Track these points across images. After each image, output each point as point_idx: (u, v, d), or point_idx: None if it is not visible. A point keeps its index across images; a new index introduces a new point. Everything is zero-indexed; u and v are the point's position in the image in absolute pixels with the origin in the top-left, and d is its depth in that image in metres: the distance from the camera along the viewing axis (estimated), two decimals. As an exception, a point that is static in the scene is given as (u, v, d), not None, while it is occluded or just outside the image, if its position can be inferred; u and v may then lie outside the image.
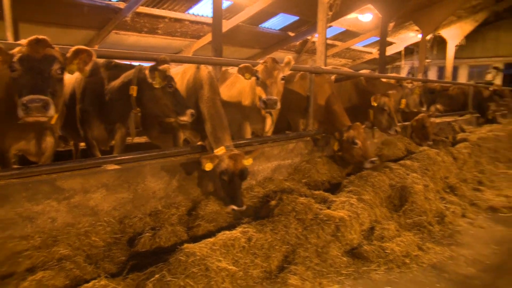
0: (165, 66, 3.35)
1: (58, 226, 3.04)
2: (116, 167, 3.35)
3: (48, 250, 2.78)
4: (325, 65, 11.12)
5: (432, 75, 25.22)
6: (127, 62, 4.07)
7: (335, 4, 10.84)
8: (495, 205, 4.28)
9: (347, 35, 19.83)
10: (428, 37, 17.79)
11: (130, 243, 3.08)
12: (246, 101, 4.74)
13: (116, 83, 3.50)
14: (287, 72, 4.28)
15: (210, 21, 12.47)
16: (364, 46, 22.52)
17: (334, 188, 4.31)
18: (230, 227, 3.14)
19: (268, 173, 4.56)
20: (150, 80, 3.34)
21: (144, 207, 3.51)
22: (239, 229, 2.80)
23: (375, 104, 5.44)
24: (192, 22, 14.00)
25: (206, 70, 3.96)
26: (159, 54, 3.53)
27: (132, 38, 13.90)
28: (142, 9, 12.14)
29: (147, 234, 3.01)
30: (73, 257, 2.73)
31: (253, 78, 4.59)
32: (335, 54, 21.85)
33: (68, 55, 2.73)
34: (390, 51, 23.21)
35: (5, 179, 2.83)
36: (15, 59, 2.50)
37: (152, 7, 12.52)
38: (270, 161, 4.59)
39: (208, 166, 3.44)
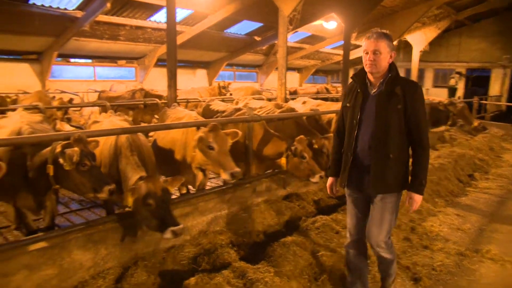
0: (73, 150, 3.31)
1: (-24, 311, 3.10)
2: (39, 246, 3.40)
3: None
4: (285, 77, 11.20)
5: (399, 76, 25.69)
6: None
7: (295, 18, 10.92)
8: (418, 273, 4.16)
9: (315, 38, 19.98)
10: (394, 42, 18.10)
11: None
12: (178, 155, 4.80)
13: (36, 160, 3.51)
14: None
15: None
16: (332, 48, 22.70)
17: (269, 239, 4.48)
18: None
19: (204, 226, 4.69)
20: (61, 161, 3.33)
21: (71, 280, 3.58)
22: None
23: (316, 146, 5.61)
24: (154, 29, 13.90)
25: (124, 137, 4.05)
26: (74, 133, 3.52)
27: (93, 44, 13.68)
28: (101, 17, 11.94)
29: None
30: None
31: (188, 133, 4.73)
32: (304, 56, 21.99)
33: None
34: (359, 53, 23.50)
35: None
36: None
37: (112, 15, 12.32)
38: (205, 215, 4.71)
39: (130, 201, 3.47)
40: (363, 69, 3.16)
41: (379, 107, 3.07)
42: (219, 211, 4.89)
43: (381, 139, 3.07)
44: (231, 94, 13.11)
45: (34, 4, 10.74)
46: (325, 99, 11.59)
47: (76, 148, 3.33)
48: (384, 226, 3.20)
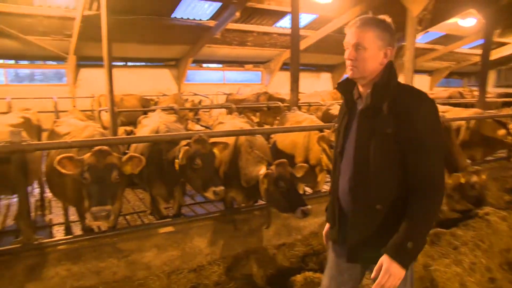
0: (182, 148, 3.69)
1: (118, 278, 3.68)
2: (167, 230, 3.90)
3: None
4: (412, 81, 10.63)
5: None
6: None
7: (425, 18, 10.30)
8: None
9: (448, 38, 18.48)
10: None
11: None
12: (299, 158, 4.96)
13: (169, 155, 4.01)
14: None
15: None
16: (470, 48, 20.68)
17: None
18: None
19: (315, 228, 4.78)
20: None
21: (192, 262, 4.02)
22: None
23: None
24: (280, 34, 14.45)
25: (243, 138, 4.35)
26: (197, 133, 3.89)
27: (223, 50, 14.80)
28: (231, 25, 12.87)
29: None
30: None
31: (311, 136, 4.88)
32: (436, 58, 20.46)
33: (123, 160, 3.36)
34: (505, 51, 20.97)
35: (78, 243, 3.54)
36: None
37: (241, 23, 13.19)
38: (318, 217, 4.78)
39: (265, 182, 3.70)
40: None
41: (359, 131, 2.10)
42: (331, 214, 4.93)
43: (361, 181, 2.08)
44: (353, 98, 12.88)
45: (175, 17, 12.17)
46: (457, 105, 10.65)
47: (185, 147, 3.70)
48: None
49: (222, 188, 3.65)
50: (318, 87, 17.06)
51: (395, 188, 2.01)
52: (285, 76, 17.19)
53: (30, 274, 3.29)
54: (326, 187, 6.48)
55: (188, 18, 12.46)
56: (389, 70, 2.07)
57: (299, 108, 8.35)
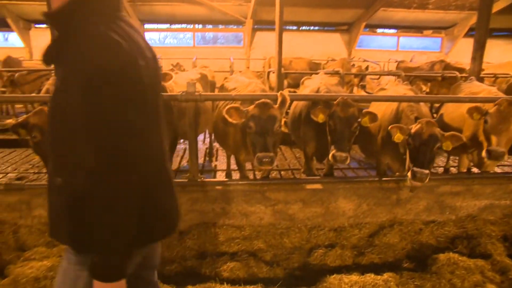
0: (321, 108, 3.87)
1: (263, 223, 4.03)
2: (314, 187, 4.05)
3: (250, 241, 3.79)
4: None
5: None
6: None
7: None
8: None
9: None
10: None
11: (308, 252, 3.76)
12: (467, 133, 4.44)
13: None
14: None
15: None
16: None
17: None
18: (391, 265, 3.45)
19: (474, 210, 4.31)
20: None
21: (333, 222, 4.12)
22: (384, 275, 3.06)
23: None
24: (470, -6, 12.71)
25: (406, 104, 4.10)
26: (340, 96, 3.90)
27: (400, 14, 13.87)
28: (412, -15, 11.88)
29: (320, 251, 3.63)
30: (264, 251, 3.68)
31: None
32: None
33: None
34: None
35: (233, 187, 3.98)
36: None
37: (423, -18, 12.05)
38: (479, 199, 4.30)
39: (398, 138, 3.66)
40: None
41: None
42: (498, 199, 4.36)
43: (50, 144, 1.55)
44: None
45: (351, -22, 11.82)
46: None
47: (321, 107, 3.88)
48: None
49: (343, 155, 3.67)
50: (514, 57, 14.60)
51: (81, 160, 1.40)
52: (471, 43, 15.13)
53: (193, 205, 3.88)
54: (497, 169, 5.71)
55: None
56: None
57: (482, 79, 7.38)
